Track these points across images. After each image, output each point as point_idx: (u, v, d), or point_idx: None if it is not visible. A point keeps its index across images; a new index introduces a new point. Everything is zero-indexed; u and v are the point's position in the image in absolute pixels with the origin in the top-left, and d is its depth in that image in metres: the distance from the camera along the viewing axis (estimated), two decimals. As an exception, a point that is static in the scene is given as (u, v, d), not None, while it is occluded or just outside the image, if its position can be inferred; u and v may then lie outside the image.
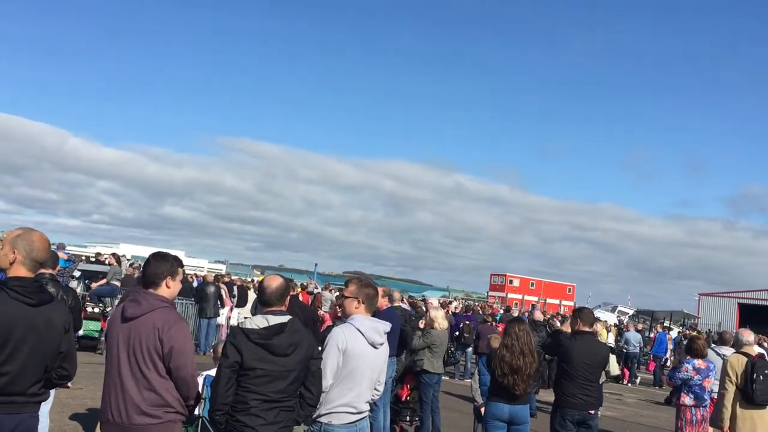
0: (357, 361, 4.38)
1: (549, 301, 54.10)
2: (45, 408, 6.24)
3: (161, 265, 3.97)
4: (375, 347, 4.49)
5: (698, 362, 8.25)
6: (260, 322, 4.05)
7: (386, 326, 4.63)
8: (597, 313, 25.62)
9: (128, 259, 23.27)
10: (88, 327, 13.30)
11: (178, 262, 4.06)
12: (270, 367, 3.96)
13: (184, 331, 3.89)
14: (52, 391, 6.32)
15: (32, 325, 3.57)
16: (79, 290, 14.98)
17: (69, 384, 8.96)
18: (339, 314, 7.01)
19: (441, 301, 22.83)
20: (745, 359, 7.13)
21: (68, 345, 3.83)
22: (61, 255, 12.72)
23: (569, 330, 7.54)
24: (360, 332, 4.43)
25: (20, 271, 3.65)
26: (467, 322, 17.46)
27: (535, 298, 52.88)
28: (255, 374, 3.93)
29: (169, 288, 3.98)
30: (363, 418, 4.50)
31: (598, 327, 12.97)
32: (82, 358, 11.51)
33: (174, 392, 3.82)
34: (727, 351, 8.85)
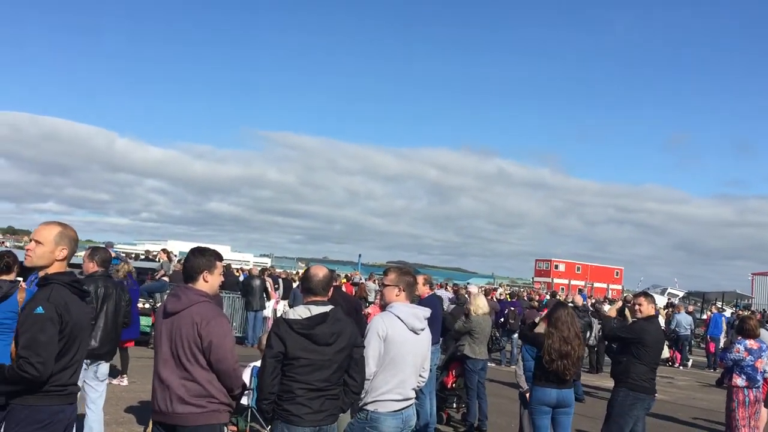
0: (398, 348, 4.40)
1: (596, 285, 53.30)
2: (100, 402, 6.47)
3: (198, 259, 4.01)
4: (416, 333, 4.51)
5: (750, 342, 8.05)
6: (303, 312, 4.11)
7: (426, 312, 4.64)
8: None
9: (175, 255, 23.75)
10: (140, 322, 13.61)
11: (216, 257, 4.06)
12: (313, 357, 4.01)
13: (223, 325, 3.93)
14: (105, 386, 6.59)
15: (88, 319, 3.83)
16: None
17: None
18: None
19: (484, 289, 22.77)
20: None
21: None
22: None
23: (614, 314, 7.48)
24: (400, 319, 4.45)
25: (64, 266, 3.75)
26: (512, 308, 17.38)
27: (582, 283, 52.18)
28: (299, 363, 3.99)
29: (207, 282, 4.00)
30: (409, 405, 4.51)
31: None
32: (134, 353, 11.92)
33: (217, 384, 3.88)
34: (781, 331, 8.63)
